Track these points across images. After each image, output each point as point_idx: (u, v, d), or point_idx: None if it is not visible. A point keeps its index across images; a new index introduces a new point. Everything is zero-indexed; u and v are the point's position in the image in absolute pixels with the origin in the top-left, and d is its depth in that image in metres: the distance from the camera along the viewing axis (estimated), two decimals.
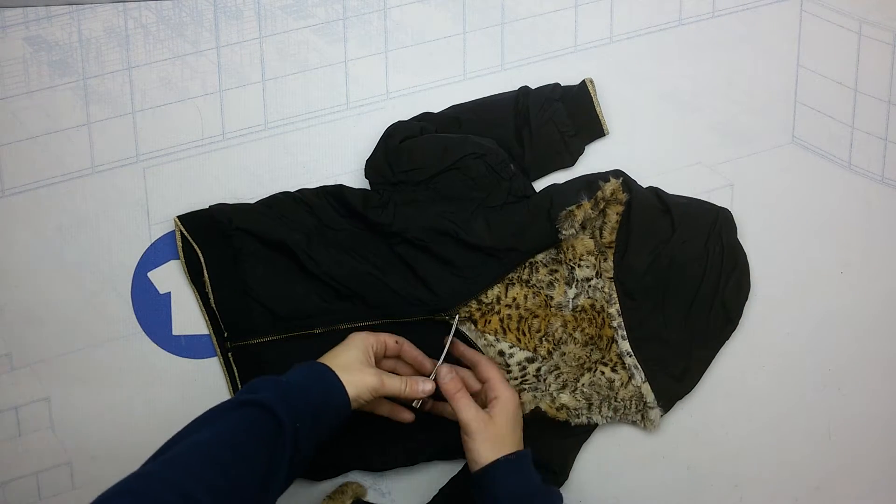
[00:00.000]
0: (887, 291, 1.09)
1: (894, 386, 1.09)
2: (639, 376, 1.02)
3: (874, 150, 1.09)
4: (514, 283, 1.04)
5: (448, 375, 0.96)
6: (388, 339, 0.96)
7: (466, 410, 0.94)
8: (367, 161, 1.05)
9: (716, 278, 1.03)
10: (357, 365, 0.91)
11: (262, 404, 0.83)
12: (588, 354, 1.03)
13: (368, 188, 1.05)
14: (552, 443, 1.03)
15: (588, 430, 1.05)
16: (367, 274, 1.01)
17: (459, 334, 1.02)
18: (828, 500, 1.08)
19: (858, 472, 1.09)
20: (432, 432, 1.03)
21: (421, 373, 0.98)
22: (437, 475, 1.05)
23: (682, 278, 1.03)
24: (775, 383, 1.08)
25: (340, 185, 1.04)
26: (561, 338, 1.03)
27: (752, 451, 1.08)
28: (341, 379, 0.88)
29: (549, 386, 1.02)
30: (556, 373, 1.02)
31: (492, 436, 0.93)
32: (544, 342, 1.03)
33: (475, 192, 1.03)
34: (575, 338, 1.03)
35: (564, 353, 1.03)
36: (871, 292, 1.09)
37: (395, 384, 0.93)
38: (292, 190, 1.05)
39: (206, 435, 0.81)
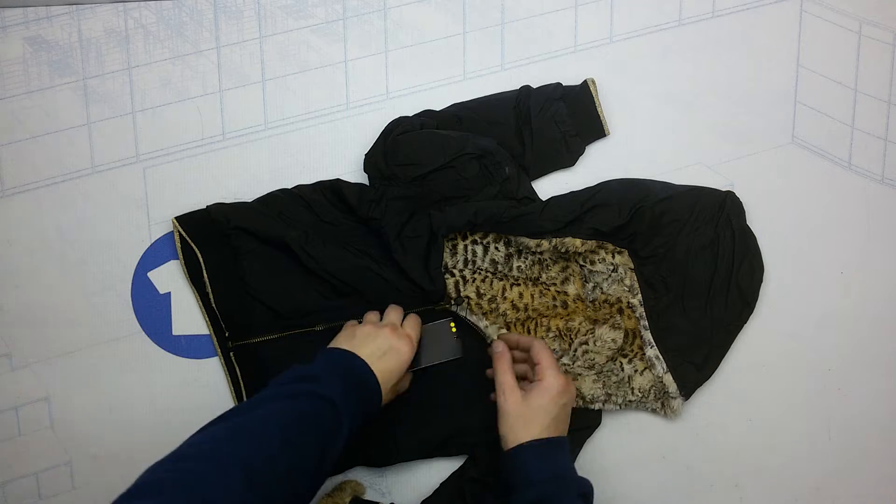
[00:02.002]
0: (887, 292, 1.09)
1: (894, 386, 1.09)
2: (660, 367, 1.02)
3: (874, 151, 1.09)
4: (518, 283, 1.03)
5: (498, 344, 0.98)
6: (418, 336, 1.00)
7: (501, 384, 0.95)
8: (365, 155, 1.05)
9: (729, 263, 1.04)
10: (395, 380, 0.94)
11: (335, 406, 0.85)
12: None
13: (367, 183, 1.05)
14: None
15: (590, 427, 1.05)
16: (365, 269, 1.01)
17: (462, 320, 1.03)
18: (828, 501, 1.08)
19: (858, 473, 1.09)
20: (433, 428, 1.03)
21: None
22: (436, 475, 1.05)
23: (697, 265, 1.03)
24: (775, 383, 1.08)
25: (338, 180, 1.05)
26: (590, 329, 1.02)
27: (752, 451, 1.08)
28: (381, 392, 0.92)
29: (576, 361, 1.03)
30: (586, 356, 1.02)
31: (516, 415, 0.93)
32: (560, 339, 1.03)
33: (468, 191, 1.03)
34: (615, 323, 1.03)
35: (595, 341, 1.02)
36: (871, 292, 1.09)
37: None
38: None
39: (278, 419, 0.82)
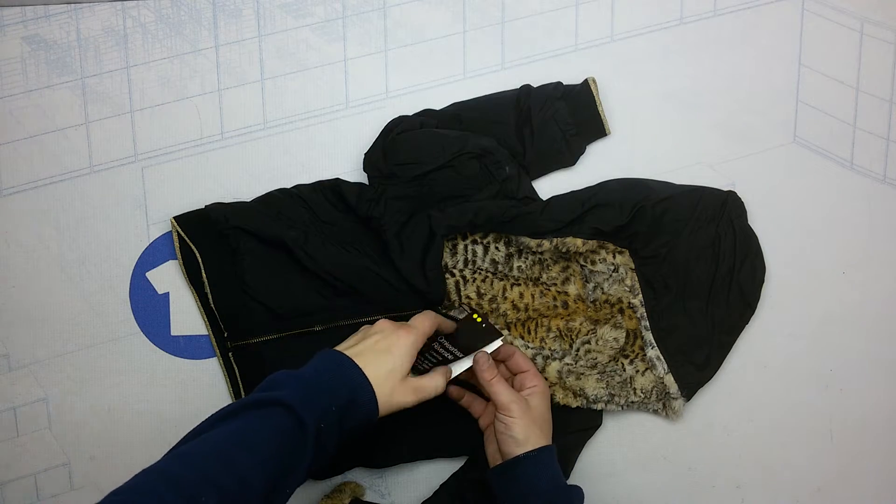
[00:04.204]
0: (889, 292, 1.09)
1: None
2: (661, 367, 1.02)
3: (876, 150, 1.09)
4: (519, 283, 1.03)
5: (485, 363, 0.94)
6: (430, 330, 0.91)
7: (505, 393, 0.92)
8: (365, 154, 1.05)
9: (730, 263, 1.03)
10: (395, 380, 0.86)
11: (284, 403, 0.78)
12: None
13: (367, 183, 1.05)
14: (554, 440, 1.02)
15: (591, 428, 1.05)
16: (365, 269, 1.01)
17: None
18: (829, 501, 1.08)
19: (860, 473, 1.08)
20: (434, 428, 1.03)
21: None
22: (436, 476, 1.05)
23: (699, 266, 1.03)
24: (777, 384, 1.08)
25: (337, 179, 1.04)
26: (591, 329, 1.02)
27: (754, 451, 1.08)
28: (375, 392, 0.84)
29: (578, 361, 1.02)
30: (589, 356, 1.02)
31: (529, 421, 0.92)
32: (560, 339, 1.03)
33: (467, 191, 1.03)
34: (616, 322, 1.02)
35: (597, 340, 1.02)
36: (872, 293, 1.09)
37: (430, 388, 0.89)
38: None
39: (221, 433, 0.77)
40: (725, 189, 1.06)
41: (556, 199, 1.04)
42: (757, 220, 1.06)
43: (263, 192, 1.05)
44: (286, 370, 0.84)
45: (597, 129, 1.07)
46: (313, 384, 0.82)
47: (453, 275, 1.03)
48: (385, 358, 0.86)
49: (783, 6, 1.09)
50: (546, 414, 0.95)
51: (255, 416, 0.78)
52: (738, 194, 1.06)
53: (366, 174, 1.05)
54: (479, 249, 1.04)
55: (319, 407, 0.80)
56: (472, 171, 1.03)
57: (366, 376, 0.84)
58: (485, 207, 1.01)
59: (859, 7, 1.08)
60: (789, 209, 1.08)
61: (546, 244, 1.01)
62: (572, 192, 1.05)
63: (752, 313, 1.05)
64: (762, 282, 1.05)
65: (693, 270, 1.03)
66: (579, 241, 1.01)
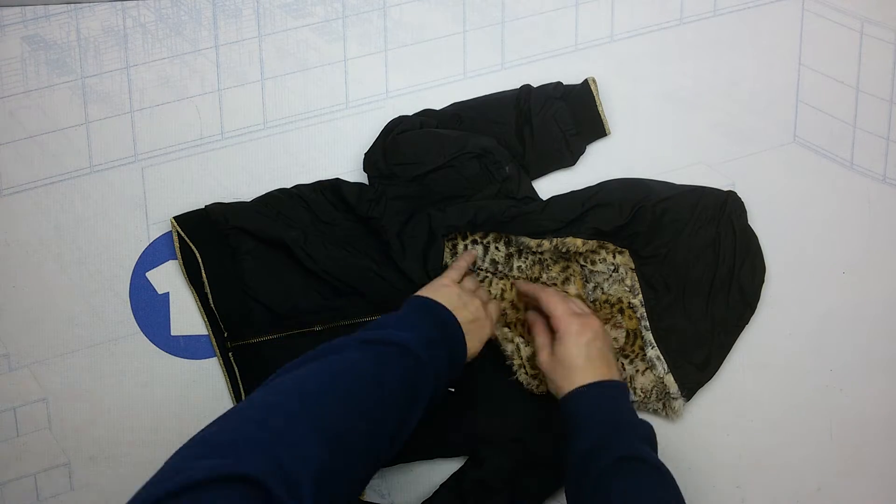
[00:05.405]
0: (889, 292, 1.09)
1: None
2: (661, 367, 1.02)
3: (876, 150, 1.09)
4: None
5: (531, 314, 0.99)
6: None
7: (537, 336, 0.96)
8: (365, 154, 1.05)
9: (730, 263, 1.03)
10: (479, 325, 0.92)
11: (414, 354, 0.82)
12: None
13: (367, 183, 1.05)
14: (556, 439, 1.02)
15: None
16: (365, 269, 1.01)
17: None
18: (829, 501, 1.08)
19: (860, 473, 1.08)
20: (433, 428, 1.02)
21: None
22: (436, 475, 1.05)
23: (699, 266, 1.03)
24: (777, 384, 1.08)
25: (337, 179, 1.04)
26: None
27: (754, 452, 1.07)
28: (466, 340, 0.89)
29: None
30: None
31: (555, 368, 0.93)
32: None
33: (467, 191, 1.03)
34: (616, 322, 1.02)
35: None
36: (872, 293, 1.09)
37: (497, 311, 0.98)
38: None
39: (347, 375, 0.78)
40: (725, 189, 1.06)
41: (556, 199, 1.04)
42: (757, 220, 1.06)
43: (263, 192, 1.05)
44: (387, 314, 0.88)
45: (597, 129, 1.07)
46: (429, 335, 0.86)
47: None
48: (476, 337, 0.92)
49: (783, 6, 1.09)
50: (571, 356, 0.92)
51: (372, 352, 0.81)
52: (738, 194, 1.06)
53: (366, 174, 1.05)
54: (479, 249, 1.04)
55: (436, 356, 0.84)
56: (473, 171, 1.03)
57: (466, 348, 0.90)
58: (485, 207, 1.01)
59: (859, 7, 1.08)
60: (789, 209, 1.08)
61: (546, 244, 1.01)
62: (572, 192, 1.05)
63: (752, 313, 1.05)
64: (762, 282, 1.05)
65: (693, 270, 1.03)
66: (579, 241, 1.01)
